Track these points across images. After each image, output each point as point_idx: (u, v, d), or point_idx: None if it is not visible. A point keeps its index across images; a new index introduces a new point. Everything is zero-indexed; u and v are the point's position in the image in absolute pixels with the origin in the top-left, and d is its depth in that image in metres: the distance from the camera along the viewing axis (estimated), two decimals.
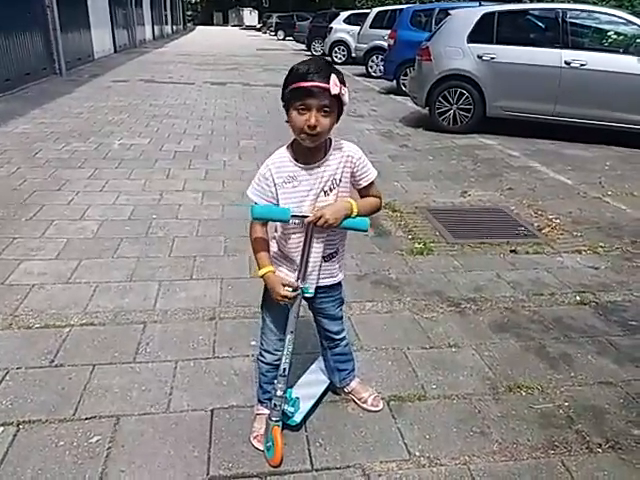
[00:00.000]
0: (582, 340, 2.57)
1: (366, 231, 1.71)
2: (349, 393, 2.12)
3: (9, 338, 2.43)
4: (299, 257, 1.71)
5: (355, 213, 1.65)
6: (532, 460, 1.85)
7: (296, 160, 1.66)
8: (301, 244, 1.70)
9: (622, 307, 2.89)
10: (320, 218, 1.60)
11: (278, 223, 1.74)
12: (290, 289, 1.69)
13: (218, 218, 3.96)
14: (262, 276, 1.72)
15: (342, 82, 1.57)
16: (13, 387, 2.12)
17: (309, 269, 1.73)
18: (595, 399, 2.16)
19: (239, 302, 2.80)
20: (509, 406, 2.11)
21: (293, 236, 1.73)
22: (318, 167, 1.66)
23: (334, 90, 1.53)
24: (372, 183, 1.75)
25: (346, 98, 1.59)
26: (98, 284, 2.94)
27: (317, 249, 1.73)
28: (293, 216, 1.63)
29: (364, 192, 1.76)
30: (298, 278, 1.72)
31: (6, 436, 1.88)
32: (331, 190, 1.68)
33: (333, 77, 1.53)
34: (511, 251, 3.55)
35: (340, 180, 1.68)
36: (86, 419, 1.97)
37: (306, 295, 1.77)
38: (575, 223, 4.08)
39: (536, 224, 4.04)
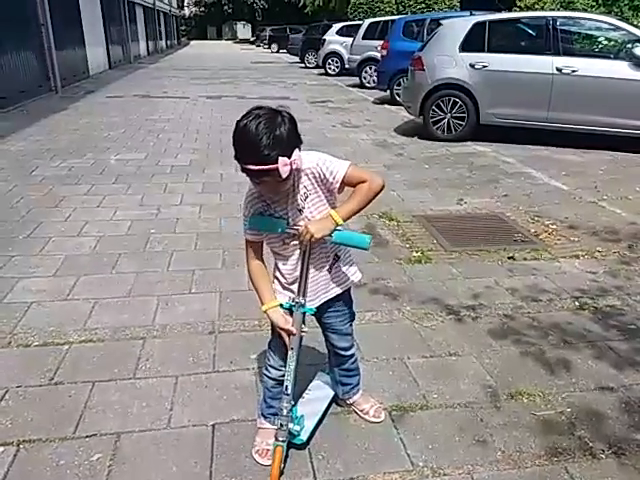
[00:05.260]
0: (581, 345, 2.58)
1: (367, 249, 1.73)
2: (351, 405, 2.11)
3: (8, 357, 2.43)
4: (297, 273, 1.73)
5: (340, 221, 1.64)
6: (536, 468, 1.84)
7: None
8: (297, 262, 1.72)
9: (620, 311, 2.89)
10: (307, 233, 1.61)
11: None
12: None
13: (216, 231, 3.97)
14: (265, 311, 1.76)
15: (293, 145, 1.46)
16: (13, 406, 2.11)
17: (309, 283, 1.74)
18: (596, 404, 2.16)
19: (238, 315, 2.80)
20: (511, 414, 2.11)
21: (291, 256, 1.74)
22: (287, 195, 1.66)
23: (284, 173, 1.46)
24: (349, 173, 1.62)
25: (301, 163, 1.51)
26: (97, 300, 2.93)
27: (314, 264, 1.75)
28: (287, 228, 1.67)
29: (349, 185, 1.65)
30: (298, 293, 1.74)
31: (6, 456, 1.87)
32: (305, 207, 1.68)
33: (282, 160, 1.43)
34: (509, 258, 3.56)
35: (310, 193, 1.66)
36: (87, 437, 1.96)
37: (308, 313, 1.78)
38: (572, 228, 4.10)
39: (533, 230, 4.06)
